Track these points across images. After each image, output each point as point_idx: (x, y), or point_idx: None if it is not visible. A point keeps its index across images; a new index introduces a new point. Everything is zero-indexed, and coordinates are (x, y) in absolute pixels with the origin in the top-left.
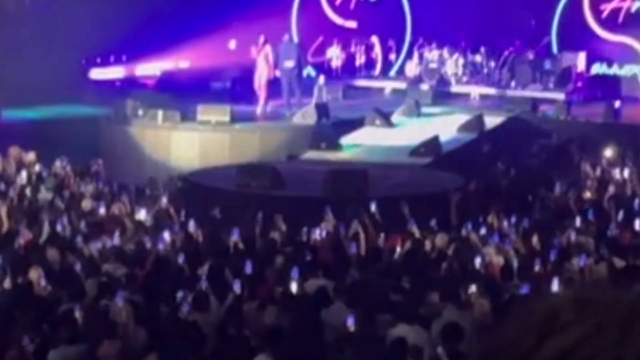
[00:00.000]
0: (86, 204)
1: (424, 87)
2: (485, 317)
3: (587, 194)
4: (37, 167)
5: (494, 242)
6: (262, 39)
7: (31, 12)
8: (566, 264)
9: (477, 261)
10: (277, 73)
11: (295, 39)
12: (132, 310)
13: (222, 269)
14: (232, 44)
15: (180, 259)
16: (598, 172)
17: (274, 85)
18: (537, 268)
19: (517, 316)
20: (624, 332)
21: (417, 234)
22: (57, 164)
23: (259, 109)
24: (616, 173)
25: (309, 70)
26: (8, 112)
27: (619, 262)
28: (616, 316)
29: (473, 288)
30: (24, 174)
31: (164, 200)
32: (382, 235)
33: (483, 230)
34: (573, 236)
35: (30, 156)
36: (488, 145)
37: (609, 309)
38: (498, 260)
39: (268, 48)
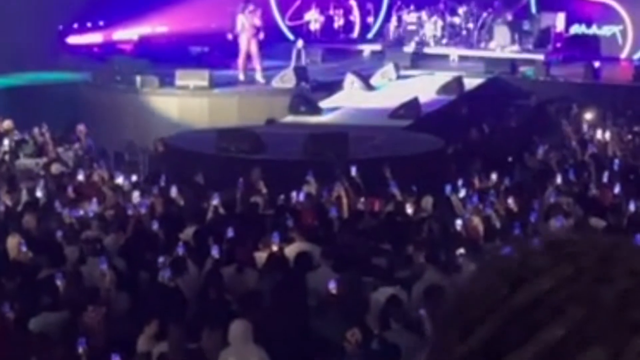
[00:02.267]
0: (56, 168)
1: (403, 49)
2: None
3: (568, 154)
4: (15, 134)
5: (473, 204)
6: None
7: None
8: (543, 225)
9: (458, 223)
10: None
11: (273, 2)
12: (115, 275)
13: (204, 233)
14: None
15: (159, 225)
16: (579, 132)
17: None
18: (516, 230)
19: (487, 265)
20: (601, 275)
21: (398, 196)
22: (36, 130)
23: (259, 74)
24: (597, 133)
25: (287, 34)
26: None
27: (599, 223)
28: (592, 259)
29: (461, 250)
30: (5, 141)
31: (144, 165)
32: (363, 198)
33: (463, 193)
34: (552, 197)
35: (7, 123)
36: (465, 108)
37: (584, 253)
38: (477, 222)
39: (253, 11)
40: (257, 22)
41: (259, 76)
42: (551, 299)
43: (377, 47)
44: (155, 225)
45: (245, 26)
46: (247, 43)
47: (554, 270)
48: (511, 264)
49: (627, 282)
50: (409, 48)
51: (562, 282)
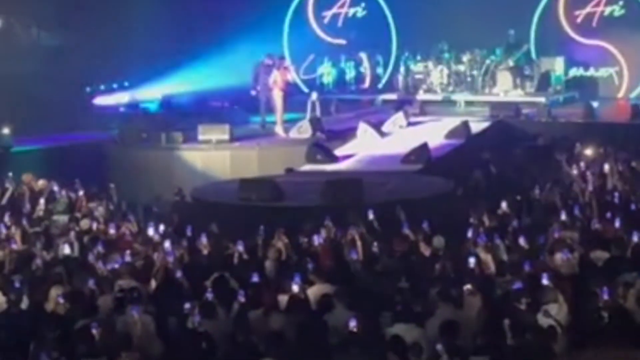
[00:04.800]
0: (84, 223)
1: (411, 97)
2: (478, 313)
3: (571, 191)
4: (49, 192)
5: (482, 242)
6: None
7: (39, 45)
8: (550, 258)
9: (471, 261)
10: (253, 92)
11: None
12: (149, 322)
13: (227, 279)
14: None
15: (183, 273)
16: (580, 169)
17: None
18: (527, 266)
19: None
20: None
21: (411, 237)
22: (70, 187)
23: (282, 129)
24: (597, 169)
25: (301, 87)
26: (20, 140)
27: (603, 254)
28: None
29: (468, 286)
30: (41, 200)
31: (171, 217)
32: (378, 239)
33: (470, 232)
34: (557, 233)
35: (41, 183)
36: (487, 153)
37: None
38: (487, 258)
39: (287, 67)
40: (290, 78)
41: (279, 129)
42: None
43: (387, 96)
44: (183, 273)
45: (278, 82)
46: (278, 98)
47: None
48: None
49: None
50: (418, 96)
51: None
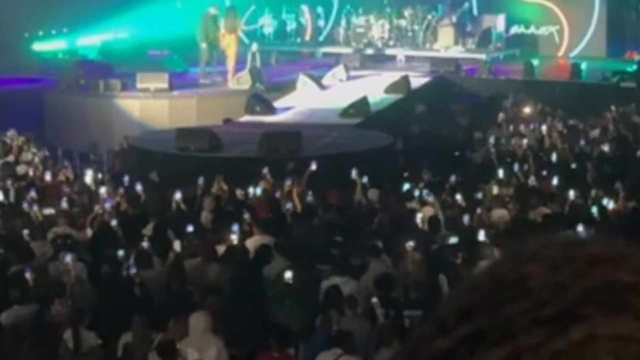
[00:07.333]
0: (20, 169)
1: (352, 50)
2: (415, 268)
3: (510, 148)
4: None
5: (422, 196)
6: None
7: None
8: (487, 215)
9: (411, 215)
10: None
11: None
12: (82, 270)
13: (164, 228)
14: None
15: (118, 222)
16: (519, 126)
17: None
18: (465, 221)
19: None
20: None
21: (349, 190)
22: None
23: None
24: (535, 127)
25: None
26: None
27: (543, 210)
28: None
29: (410, 243)
30: None
31: (113, 164)
32: (314, 192)
33: (407, 186)
34: (495, 189)
35: None
36: (422, 106)
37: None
38: (427, 212)
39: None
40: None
41: (231, 79)
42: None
43: (327, 49)
44: (121, 221)
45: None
46: (229, 47)
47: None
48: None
49: None
50: (358, 49)
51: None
